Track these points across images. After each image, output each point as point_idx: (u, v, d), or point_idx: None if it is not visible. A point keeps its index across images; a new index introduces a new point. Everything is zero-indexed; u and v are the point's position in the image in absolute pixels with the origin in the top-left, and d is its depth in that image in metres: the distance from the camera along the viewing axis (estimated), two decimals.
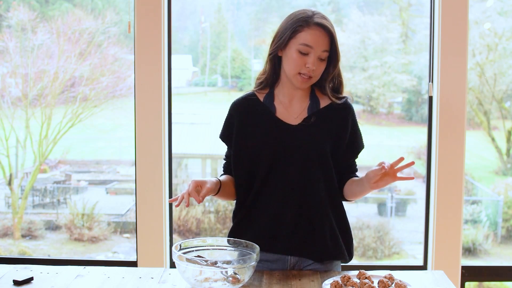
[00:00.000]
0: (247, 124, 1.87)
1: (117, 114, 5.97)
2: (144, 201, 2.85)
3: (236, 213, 1.92)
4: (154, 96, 2.80)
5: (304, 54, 1.75)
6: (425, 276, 1.81)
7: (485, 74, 6.09)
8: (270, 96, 1.88)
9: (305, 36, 1.74)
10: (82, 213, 5.85)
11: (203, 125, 6.72)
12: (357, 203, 6.53)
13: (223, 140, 1.95)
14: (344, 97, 1.87)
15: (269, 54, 1.84)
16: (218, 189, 1.83)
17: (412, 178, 1.68)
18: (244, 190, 1.87)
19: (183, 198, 1.69)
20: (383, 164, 1.62)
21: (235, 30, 6.64)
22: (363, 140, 1.91)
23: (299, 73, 1.77)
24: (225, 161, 1.97)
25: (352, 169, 1.90)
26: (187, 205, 1.68)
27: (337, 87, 1.87)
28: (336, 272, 1.83)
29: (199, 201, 1.66)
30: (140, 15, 2.77)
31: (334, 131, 1.83)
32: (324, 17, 1.78)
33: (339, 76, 1.86)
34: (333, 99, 1.85)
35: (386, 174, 1.65)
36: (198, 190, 1.73)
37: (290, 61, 1.78)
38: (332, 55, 1.79)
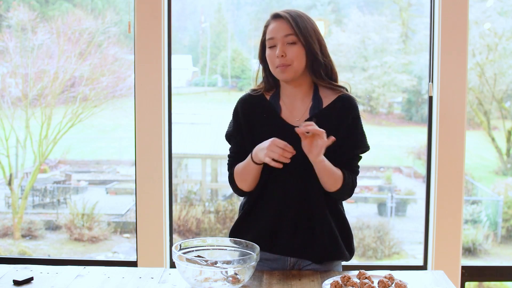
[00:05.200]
0: (252, 121, 1.87)
1: (117, 114, 5.97)
2: (144, 201, 2.85)
3: (242, 207, 1.92)
4: (154, 96, 2.80)
5: (272, 48, 1.81)
6: (425, 276, 1.81)
7: (485, 74, 6.09)
8: (276, 96, 1.88)
9: (268, 32, 1.82)
10: (82, 213, 5.85)
11: (203, 125, 6.73)
12: (357, 203, 6.54)
13: (230, 137, 1.92)
14: (342, 87, 1.86)
15: (259, 61, 1.91)
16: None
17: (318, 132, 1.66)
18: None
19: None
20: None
21: (235, 30, 6.64)
22: (367, 141, 1.85)
23: (277, 67, 1.80)
24: (232, 158, 1.92)
25: (350, 168, 1.83)
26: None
27: (329, 72, 1.86)
28: (336, 272, 1.83)
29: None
30: (140, 15, 2.77)
31: (334, 128, 1.81)
32: (284, 10, 1.83)
33: (326, 59, 1.84)
34: (332, 93, 1.83)
35: (313, 138, 1.67)
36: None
37: (267, 60, 1.83)
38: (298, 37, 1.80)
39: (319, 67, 1.82)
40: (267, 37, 1.82)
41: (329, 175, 1.76)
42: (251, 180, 1.83)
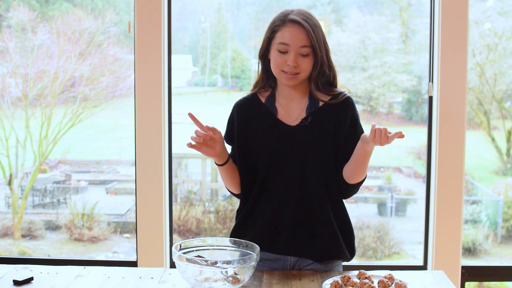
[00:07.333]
0: (248, 125, 1.87)
1: (117, 114, 5.97)
2: (144, 201, 2.85)
3: (239, 212, 1.93)
4: (154, 96, 2.80)
5: (283, 52, 1.77)
6: (425, 276, 1.81)
7: (485, 74, 6.09)
8: (272, 98, 1.88)
9: (282, 35, 1.77)
10: (82, 213, 5.85)
11: None
12: (357, 203, 6.53)
13: (227, 141, 1.94)
14: (340, 92, 1.86)
15: (259, 57, 1.88)
16: (227, 160, 1.84)
17: (402, 136, 1.62)
18: (247, 189, 1.88)
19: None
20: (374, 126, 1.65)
21: (235, 30, 6.63)
22: None
23: (283, 71, 1.78)
24: None
25: None
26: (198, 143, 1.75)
27: (331, 80, 1.85)
28: (336, 272, 1.83)
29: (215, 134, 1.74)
30: (140, 15, 2.77)
31: (333, 127, 1.81)
32: (301, 14, 1.78)
33: (330, 69, 1.83)
34: (328, 96, 1.83)
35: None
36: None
37: (273, 61, 1.80)
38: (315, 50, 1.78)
39: (322, 77, 1.82)
40: (280, 40, 1.76)
41: (364, 167, 1.77)
42: (229, 181, 1.89)
